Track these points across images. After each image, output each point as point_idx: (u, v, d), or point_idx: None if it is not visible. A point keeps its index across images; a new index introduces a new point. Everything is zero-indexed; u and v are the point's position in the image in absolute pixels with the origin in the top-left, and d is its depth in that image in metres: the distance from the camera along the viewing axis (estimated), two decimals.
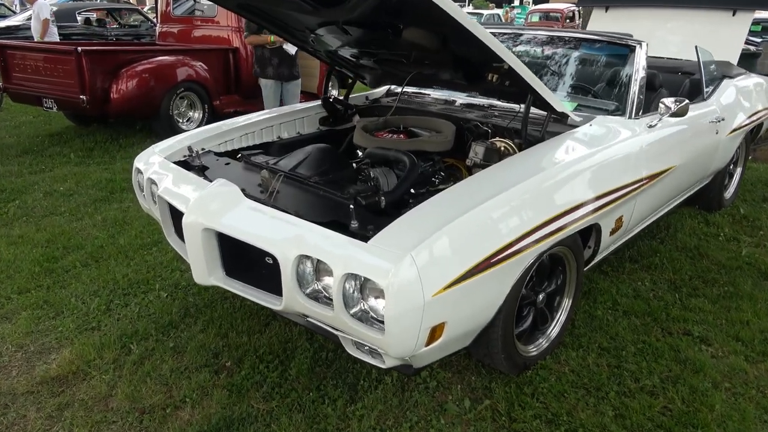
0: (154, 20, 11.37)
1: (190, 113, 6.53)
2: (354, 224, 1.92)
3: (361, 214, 1.98)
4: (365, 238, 1.80)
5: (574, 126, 2.66)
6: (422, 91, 3.41)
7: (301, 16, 2.51)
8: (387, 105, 3.34)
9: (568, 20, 18.10)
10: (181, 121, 6.38)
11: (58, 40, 8.23)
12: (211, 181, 2.38)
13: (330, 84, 8.28)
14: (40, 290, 3.01)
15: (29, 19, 10.42)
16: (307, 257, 1.83)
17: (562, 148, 2.41)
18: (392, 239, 1.75)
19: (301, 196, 2.21)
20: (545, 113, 2.55)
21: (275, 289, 2.00)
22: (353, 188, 2.19)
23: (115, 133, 6.51)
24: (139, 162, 2.71)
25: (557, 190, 2.16)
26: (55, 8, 10.37)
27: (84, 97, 5.46)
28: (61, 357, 2.45)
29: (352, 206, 1.93)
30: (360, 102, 3.48)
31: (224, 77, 6.87)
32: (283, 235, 1.89)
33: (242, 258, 2.13)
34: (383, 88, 3.61)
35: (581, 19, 15.52)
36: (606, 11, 5.29)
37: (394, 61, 2.72)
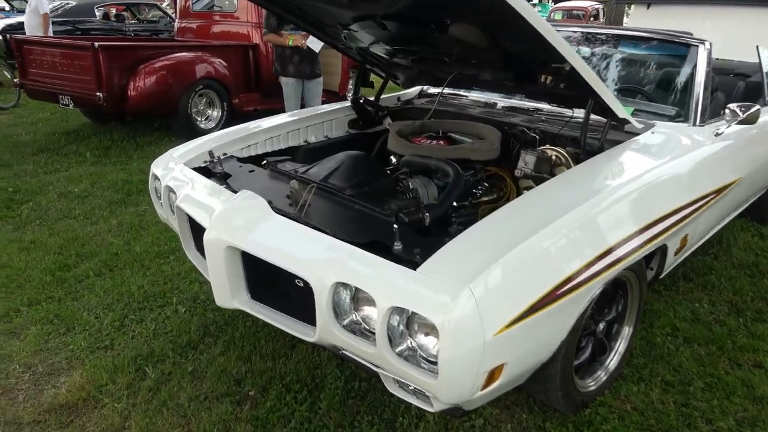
0: (173, 15, 11.23)
1: (209, 111, 6.34)
2: (398, 246, 1.69)
3: (405, 233, 1.75)
4: (412, 265, 1.57)
5: (634, 133, 2.40)
6: (459, 92, 3.16)
7: (335, 9, 2.28)
8: (421, 107, 3.10)
9: (592, 18, 17.65)
10: (199, 119, 6.20)
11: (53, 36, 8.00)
12: (234, 191, 2.18)
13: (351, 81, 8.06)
14: (51, 302, 2.82)
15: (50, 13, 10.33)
16: (346, 285, 1.61)
17: (625, 161, 2.16)
18: (445, 268, 1.51)
19: (334, 210, 1.98)
20: (603, 119, 2.30)
21: (307, 316, 1.79)
22: (394, 203, 1.96)
23: (133, 131, 6.35)
24: (156, 168, 2.51)
25: (625, 211, 1.90)
26: (74, 2, 10.29)
27: (101, 94, 5.29)
28: (71, 380, 2.25)
29: (396, 226, 1.69)
30: (391, 103, 3.24)
31: (244, 74, 6.67)
32: (318, 257, 1.67)
33: (269, 279, 1.92)
34: (416, 89, 3.37)
35: (605, 17, 15.10)
36: (648, 8, 4.99)
37: (434, 59, 2.48)
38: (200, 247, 2.31)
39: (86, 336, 2.54)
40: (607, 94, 2.10)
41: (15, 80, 6.41)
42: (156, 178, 2.50)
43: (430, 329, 1.47)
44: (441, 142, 2.50)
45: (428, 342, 1.50)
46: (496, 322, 1.44)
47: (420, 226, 1.90)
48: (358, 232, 1.83)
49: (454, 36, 2.05)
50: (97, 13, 10.27)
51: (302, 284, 1.77)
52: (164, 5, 14.19)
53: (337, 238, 1.74)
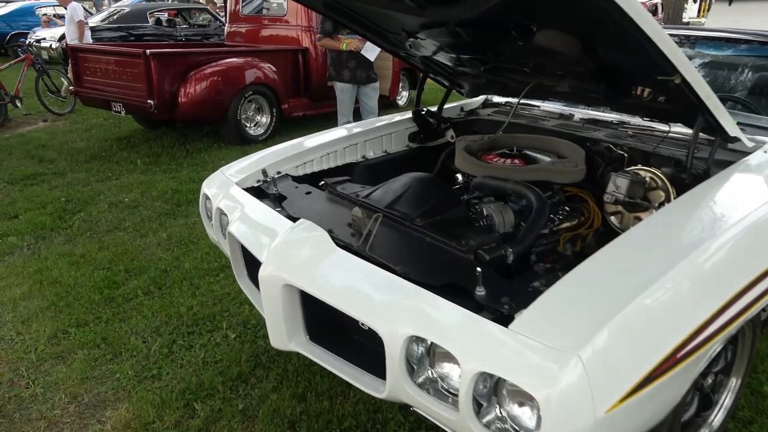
0: (223, 19, 11.30)
1: (258, 117, 6.24)
2: (480, 292, 1.46)
3: (488, 274, 1.51)
4: (503, 319, 1.33)
5: (741, 152, 2.08)
6: (530, 102, 2.89)
7: (403, 16, 2.06)
8: (488, 119, 2.85)
9: (650, 13, 16.88)
10: (248, 125, 6.11)
11: (91, 43, 7.99)
12: (290, 215, 2.00)
13: (400, 85, 7.84)
14: (98, 324, 2.71)
15: (105, 20, 10.56)
16: (422, 339, 1.39)
17: (740, 188, 1.85)
18: (545, 328, 1.27)
19: (403, 243, 1.76)
20: (706, 136, 2.00)
21: (374, 366, 1.58)
22: (471, 236, 1.72)
23: (182, 137, 6.32)
24: (207, 187, 2.35)
25: (748, 251, 1.60)
26: (127, 8, 10.46)
27: (152, 102, 5.25)
28: (117, 415, 2.12)
29: (479, 269, 1.46)
30: (454, 114, 3.00)
31: (293, 79, 6.56)
32: (389, 303, 1.46)
33: (330, 320, 1.72)
34: (479, 98, 3.12)
35: (664, 13, 14.36)
36: (729, 4, 4.58)
37: (510, 69, 2.22)
38: (253, 276, 2.14)
39: (133, 363, 2.41)
40: (721, 110, 1.81)
41: (71, 87, 6.48)
42: (207, 198, 2.35)
43: (526, 399, 1.24)
44: (516, 160, 2.24)
45: (522, 414, 1.27)
46: (608, 397, 1.19)
47: (501, 264, 1.66)
48: (432, 271, 1.60)
49: (539, 44, 1.79)
50: (150, 19, 10.41)
51: (367, 328, 1.56)
52: (216, 9, 14.34)
53: (408, 278, 1.53)
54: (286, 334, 1.71)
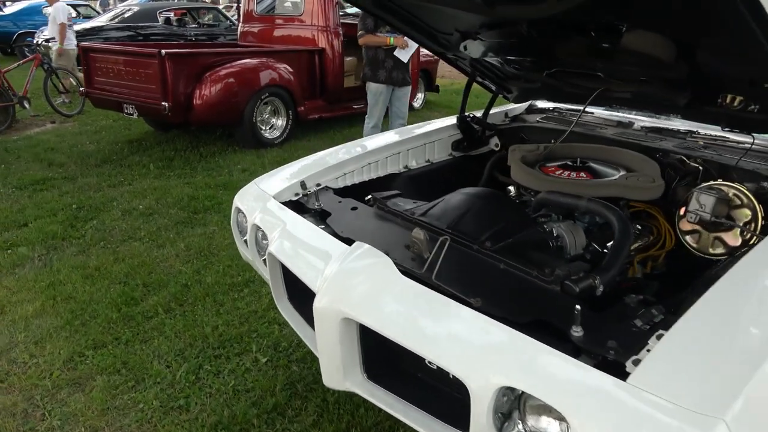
0: (232, 19, 11.12)
1: (273, 120, 6.04)
2: (577, 332, 1.25)
3: (582, 311, 1.30)
4: (609, 366, 1.13)
5: None
6: (581, 108, 2.69)
7: (463, 14, 1.86)
8: (536, 125, 2.64)
9: None
10: (264, 128, 5.91)
11: (75, 45, 7.65)
12: (338, 235, 1.80)
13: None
14: (117, 345, 2.51)
15: (113, 19, 10.39)
16: (512, 389, 1.19)
17: None
18: (670, 383, 1.06)
19: (474, 271, 1.56)
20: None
21: (446, 411, 1.38)
22: (553, 263, 1.51)
23: (195, 140, 6.12)
24: (241, 201, 2.15)
25: None
26: (137, 8, 10.30)
27: (166, 104, 5.05)
28: None
29: (578, 307, 1.26)
30: (498, 120, 2.79)
31: (309, 81, 6.36)
32: (475, 346, 1.26)
33: (391, 356, 1.52)
34: (524, 103, 2.91)
35: None
36: None
37: (578, 73, 2.02)
38: (296, 301, 1.95)
39: (158, 392, 2.21)
40: None
41: (81, 88, 6.29)
42: (240, 212, 2.15)
43: None
44: (582, 174, 2.04)
45: None
46: None
47: (591, 295, 1.45)
48: (512, 305, 1.40)
49: (627, 47, 1.59)
50: (160, 18, 10.23)
51: (435, 366, 1.36)
52: (221, 7, 14.17)
53: (489, 313, 1.33)
54: (342, 372, 1.51)
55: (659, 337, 1.20)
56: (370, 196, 2.03)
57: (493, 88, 2.64)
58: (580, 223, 1.95)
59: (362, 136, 4.61)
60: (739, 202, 1.84)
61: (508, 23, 1.79)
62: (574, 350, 1.24)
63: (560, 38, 1.77)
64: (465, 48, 2.12)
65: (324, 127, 6.69)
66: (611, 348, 1.20)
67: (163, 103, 5.04)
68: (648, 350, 1.17)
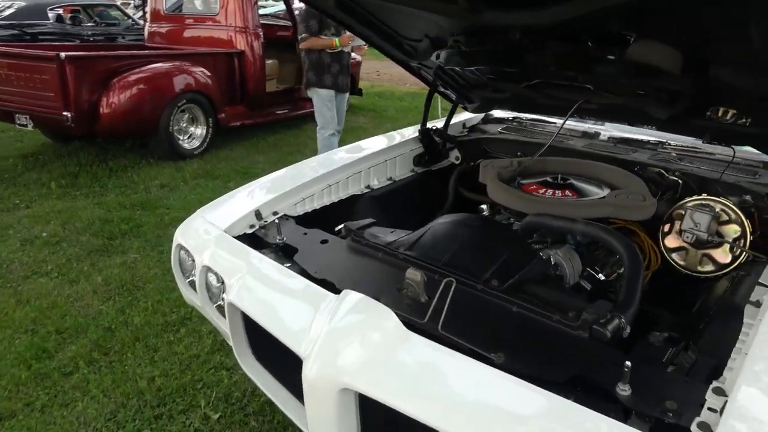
0: (135, 18, 10.27)
1: (192, 129, 5.56)
2: (625, 391, 1.08)
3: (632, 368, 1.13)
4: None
5: None
6: (544, 118, 2.58)
7: (440, 19, 1.66)
8: (498, 137, 2.49)
9: None
10: (182, 138, 5.42)
11: None
12: (312, 277, 1.54)
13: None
14: (31, 414, 2.08)
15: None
16: None
17: None
18: None
19: (486, 317, 1.35)
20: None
21: None
22: (577, 303, 1.34)
23: (102, 152, 5.50)
24: (184, 237, 1.82)
25: None
26: (23, 3, 9.24)
27: (68, 114, 4.45)
28: None
29: (628, 363, 1.08)
30: (456, 132, 2.62)
31: (229, 86, 5.93)
32: (505, 415, 1.05)
33: (388, 419, 1.28)
34: (480, 113, 2.76)
35: None
36: None
37: (562, 85, 1.87)
38: (262, 357, 1.66)
39: None
40: None
41: None
42: (183, 249, 1.81)
43: None
44: (568, 192, 1.90)
45: None
46: None
47: (618, 337, 1.30)
48: (540, 359, 1.21)
49: (633, 58, 1.45)
50: (50, 15, 9.23)
51: None
52: (120, 3, 13.10)
53: (516, 372, 1.13)
54: None
55: (717, 392, 1.06)
56: (341, 227, 1.77)
57: (454, 97, 2.46)
58: (569, 246, 1.82)
59: (313, 148, 4.32)
60: (726, 218, 1.77)
61: (495, 31, 1.60)
62: (623, 411, 1.07)
63: (551, 48, 1.61)
64: (438, 57, 1.91)
65: (247, 135, 6.28)
66: (669, 409, 1.04)
67: (64, 114, 4.44)
68: (709, 408, 1.03)
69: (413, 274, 1.39)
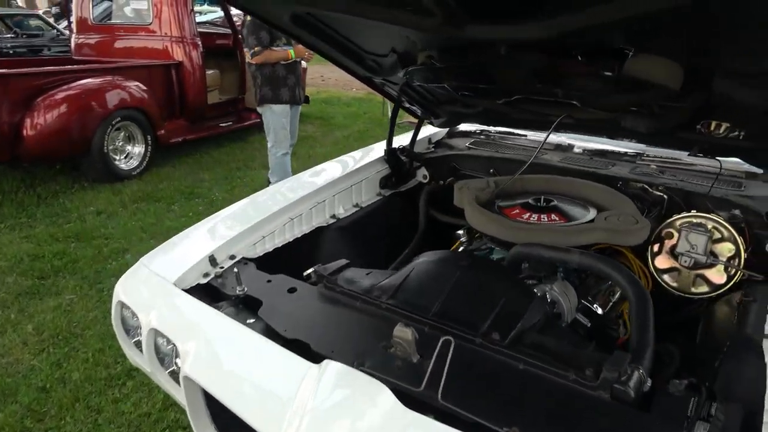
0: (60, 28, 9.62)
1: (129, 147, 5.17)
2: None
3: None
4: None
5: None
6: (512, 130, 2.44)
7: (411, 33, 1.48)
8: (467, 153, 2.32)
9: None
10: (118, 158, 5.02)
11: None
12: (282, 336, 1.33)
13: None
14: None
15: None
16: None
17: None
18: None
19: (491, 380, 1.17)
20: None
21: None
22: (589, 355, 1.18)
23: (29, 176, 5.02)
24: (125, 293, 1.56)
25: None
26: None
27: None
28: None
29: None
30: (422, 148, 2.45)
31: (167, 99, 5.57)
32: None
33: None
34: (442, 128, 2.59)
35: None
36: None
37: (547, 102, 1.72)
38: (223, 426, 1.42)
39: None
40: None
41: None
42: (125, 307, 1.56)
43: None
44: (554, 216, 1.75)
45: None
46: None
47: (641, 397, 1.14)
48: (560, 428, 1.05)
49: (630, 72, 1.31)
50: None
51: None
52: (41, 12, 12.28)
53: None
54: None
55: None
56: (311, 271, 1.56)
57: (419, 112, 2.28)
58: (562, 278, 1.67)
59: (261, 162, 4.05)
60: (720, 236, 1.67)
61: (475, 45, 1.43)
62: None
63: (537, 63, 1.45)
64: (406, 74, 1.72)
65: (190, 151, 5.91)
66: None
67: None
68: None
69: (403, 332, 1.19)
